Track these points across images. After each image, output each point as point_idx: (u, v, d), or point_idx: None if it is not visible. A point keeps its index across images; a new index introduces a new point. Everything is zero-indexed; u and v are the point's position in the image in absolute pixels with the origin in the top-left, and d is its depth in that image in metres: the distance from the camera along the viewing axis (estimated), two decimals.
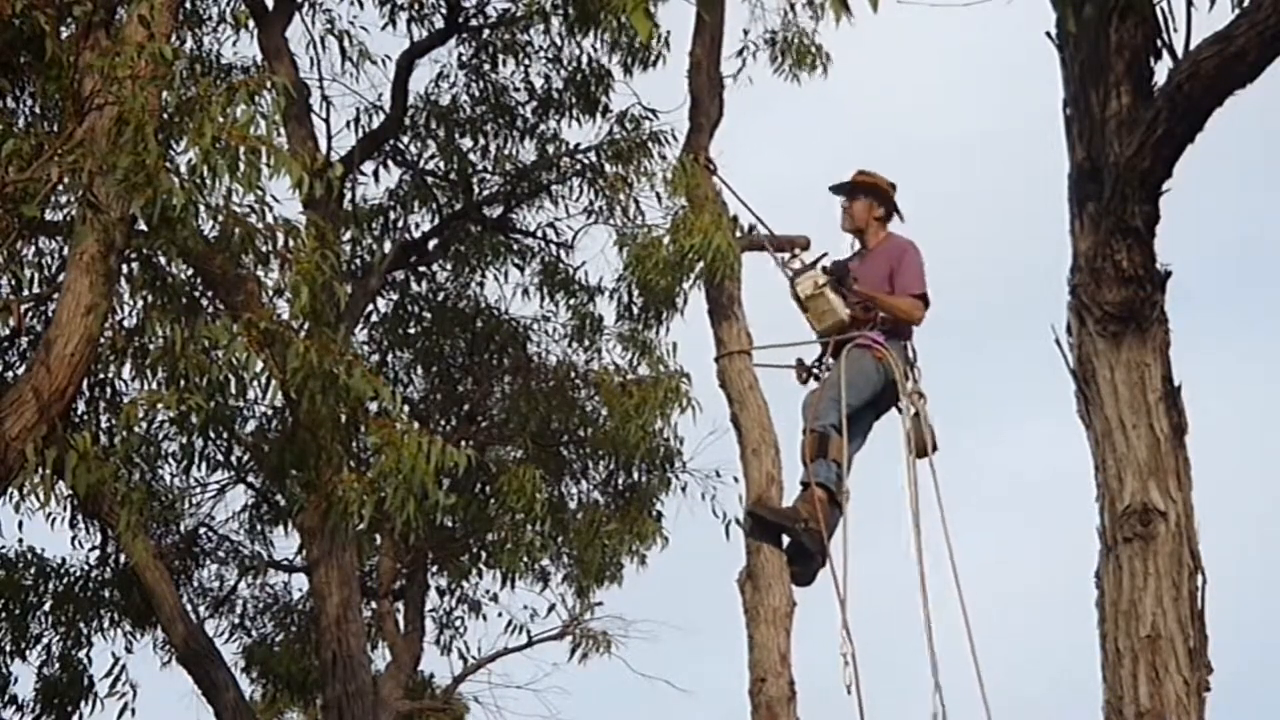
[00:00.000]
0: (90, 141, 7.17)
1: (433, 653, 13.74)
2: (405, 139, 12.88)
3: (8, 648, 11.65)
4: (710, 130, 8.43)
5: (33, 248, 9.23)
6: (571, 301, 12.98)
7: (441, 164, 12.95)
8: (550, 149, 12.79)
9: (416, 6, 12.38)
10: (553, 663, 14.00)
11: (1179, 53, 5.68)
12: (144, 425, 9.26)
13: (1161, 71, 5.75)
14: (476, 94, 12.76)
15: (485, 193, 13.02)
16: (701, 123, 8.42)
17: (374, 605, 13.11)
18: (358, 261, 12.69)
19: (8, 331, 10.10)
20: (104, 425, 9.74)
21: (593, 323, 12.87)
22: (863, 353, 7.73)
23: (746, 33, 12.08)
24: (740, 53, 12.03)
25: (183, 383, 7.57)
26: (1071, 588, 5.87)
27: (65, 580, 11.87)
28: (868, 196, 8.14)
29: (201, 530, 13.19)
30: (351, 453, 8.38)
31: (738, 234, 8.03)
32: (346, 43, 12.19)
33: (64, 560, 11.92)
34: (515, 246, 13.20)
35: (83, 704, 11.58)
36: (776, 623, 7.20)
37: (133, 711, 10.55)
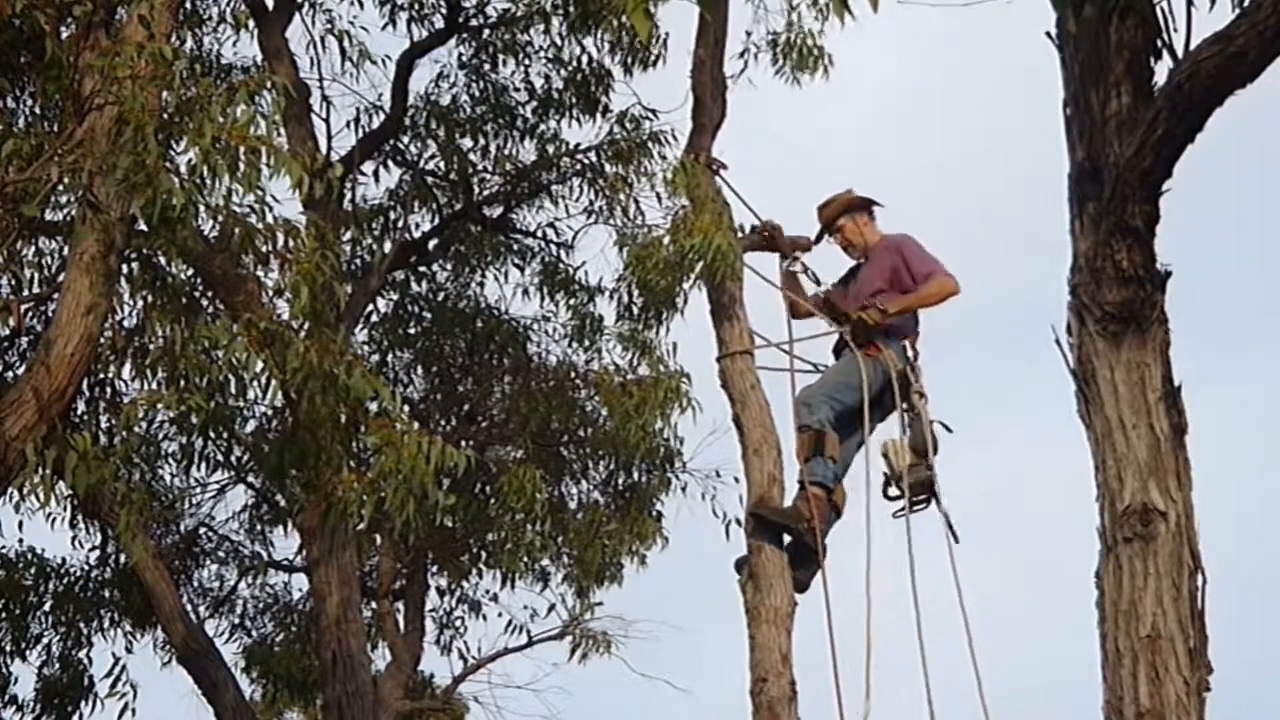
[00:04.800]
0: (90, 141, 7.18)
1: (433, 653, 13.76)
2: (405, 139, 12.89)
3: (8, 648, 11.66)
4: (713, 131, 8.41)
5: (33, 248, 9.23)
6: (571, 301, 12.99)
7: (441, 164, 12.96)
8: (550, 149, 12.80)
9: (416, 6, 12.39)
10: (553, 663, 14.01)
11: (1179, 53, 5.68)
12: (144, 425, 9.26)
13: (1161, 71, 5.76)
14: (476, 94, 12.77)
15: (485, 193, 13.02)
16: (704, 123, 8.41)
17: (374, 605, 13.11)
18: (358, 261, 12.69)
19: (8, 331, 10.10)
20: (104, 425, 9.74)
21: (593, 323, 12.88)
22: (859, 351, 7.71)
23: (749, 34, 12.12)
24: (743, 54, 12.05)
25: (183, 383, 7.57)
26: (1071, 587, 5.87)
27: (65, 580, 11.88)
28: (847, 215, 8.13)
29: (201, 530, 13.19)
30: (351, 453, 8.37)
31: (739, 234, 8.02)
32: (346, 43, 12.23)
33: (64, 560, 11.95)
34: (515, 246, 13.21)
35: (83, 704, 11.59)
36: (778, 623, 7.19)
37: (133, 711, 10.53)
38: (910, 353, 7.86)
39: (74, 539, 11.72)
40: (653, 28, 10.29)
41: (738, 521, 10.47)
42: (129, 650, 11.94)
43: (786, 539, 7.42)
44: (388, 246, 12.82)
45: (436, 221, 13.11)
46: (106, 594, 11.98)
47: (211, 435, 9.62)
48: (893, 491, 7.59)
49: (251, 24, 11.37)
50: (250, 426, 11.62)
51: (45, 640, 11.81)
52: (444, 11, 12.48)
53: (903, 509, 7.52)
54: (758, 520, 7.45)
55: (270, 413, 11.20)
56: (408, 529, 7.90)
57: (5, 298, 8.40)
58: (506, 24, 12.62)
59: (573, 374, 12.83)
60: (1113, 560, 5.45)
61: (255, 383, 7.68)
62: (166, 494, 12.59)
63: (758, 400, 7.70)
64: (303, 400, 7.65)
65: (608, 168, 12.58)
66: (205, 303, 10.28)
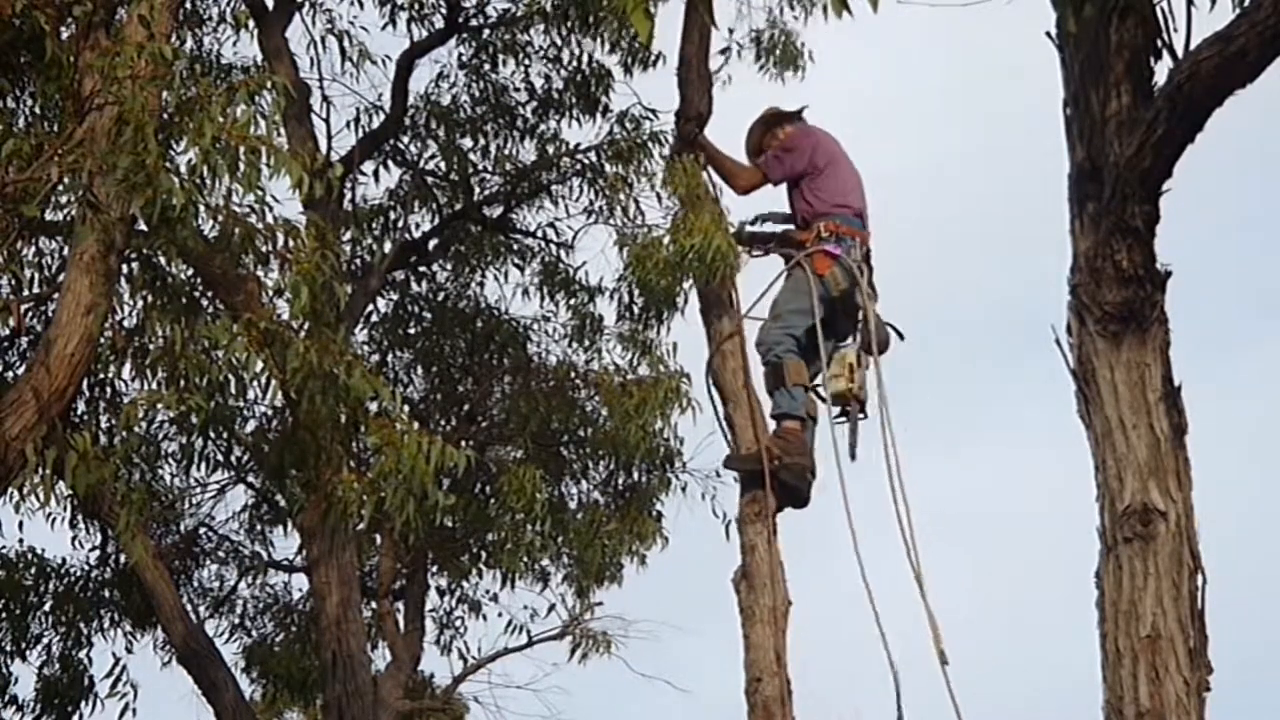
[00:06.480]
0: (90, 141, 7.17)
1: (433, 653, 13.76)
2: (405, 139, 12.88)
3: (8, 648, 11.65)
4: (700, 128, 8.42)
5: (33, 248, 9.22)
6: (571, 301, 12.98)
7: (441, 164, 12.95)
8: (550, 149, 12.78)
9: (416, 6, 12.38)
10: (553, 663, 14.02)
11: (1179, 53, 5.68)
12: (144, 425, 9.27)
13: (1161, 71, 5.76)
14: (476, 94, 12.76)
15: (485, 193, 13.01)
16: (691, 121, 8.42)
17: (374, 605, 13.11)
18: (358, 261, 12.69)
19: (8, 331, 10.10)
20: (104, 425, 9.74)
21: (593, 323, 12.87)
22: (803, 270, 7.71)
23: (732, 31, 12.14)
24: (724, 51, 12.07)
25: (183, 383, 7.57)
26: (1071, 587, 5.87)
27: (65, 580, 11.87)
28: (769, 135, 8.16)
29: (201, 530, 13.19)
30: (351, 453, 8.37)
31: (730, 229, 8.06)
32: (346, 43, 12.22)
33: (64, 560, 11.93)
34: (515, 246, 13.20)
35: (83, 704, 11.58)
36: (772, 623, 7.20)
37: (133, 711, 10.54)
38: (858, 252, 7.79)
39: (74, 539, 11.74)
40: (653, 28, 10.27)
41: (737, 521, 10.46)
42: (129, 650, 11.95)
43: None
44: (388, 246, 12.82)
45: (436, 221, 13.10)
46: (106, 594, 11.97)
47: (211, 435, 9.66)
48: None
49: (251, 24, 11.36)
50: (250, 426, 11.62)
51: (45, 640, 11.80)
52: (444, 11, 12.47)
53: (837, 416, 7.59)
54: (737, 472, 7.52)
55: (270, 413, 11.21)
56: (408, 529, 7.90)
57: (5, 298, 8.40)
58: (506, 24, 12.62)
59: (573, 374, 12.82)
60: (1113, 560, 5.45)
61: (255, 383, 7.69)
62: (166, 494, 12.57)
63: (749, 399, 7.72)
64: (303, 400, 7.65)
65: (608, 168, 12.56)
66: (205, 303, 10.26)
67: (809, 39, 12.15)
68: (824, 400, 7.65)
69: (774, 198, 8.29)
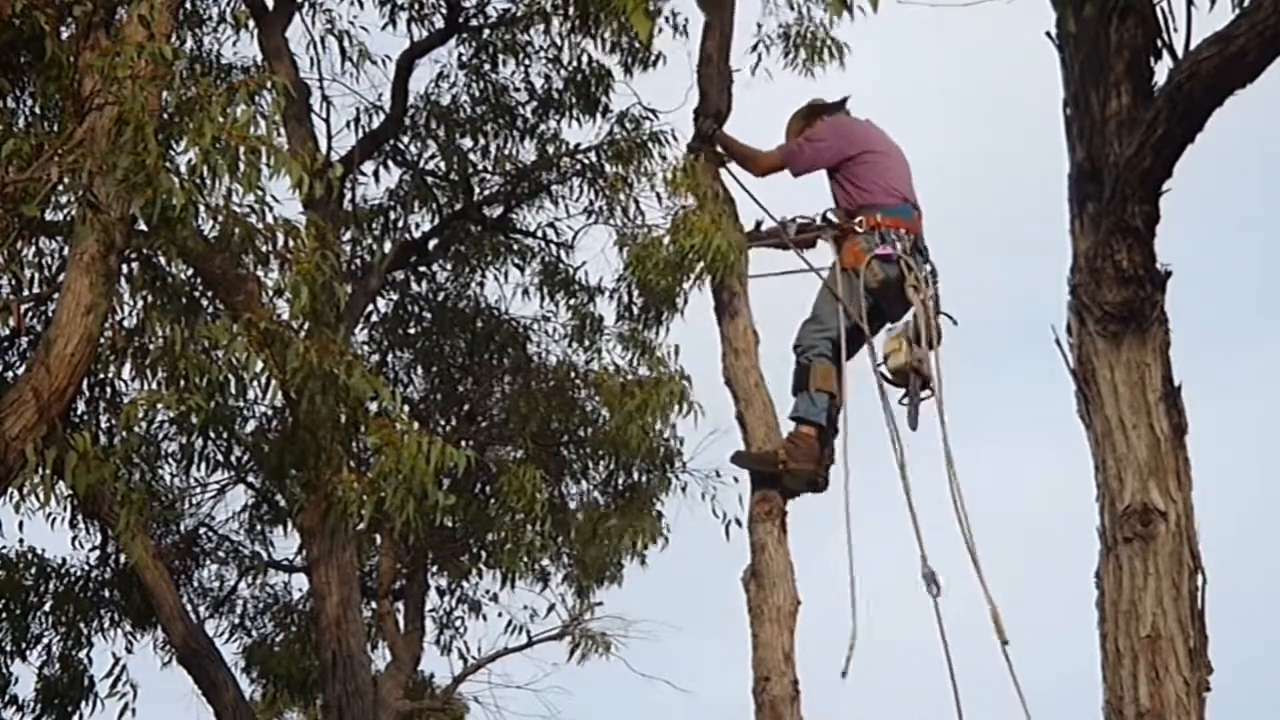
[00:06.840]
0: (90, 141, 7.16)
1: (433, 653, 13.77)
2: (405, 139, 12.89)
3: (8, 648, 11.66)
4: (718, 125, 8.40)
5: (33, 248, 9.22)
6: (571, 301, 12.99)
7: (441, 164, 12.95)
8: (550, 149, 12.79)
9: (416, 6, 12.39)
10: (553, 663, 14.04)
11: (1179, 53, 5.68)
12: (144, 425, 9.26)
13: (1161, 71, 5.76)
14: (476, 94, 12.76)
15: (485, 193, 13.02)
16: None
17: (374, 605, 13.11)
18: (358, 261, 12.70)
19: (8, 331, 10.10)
20: (104, 425, 9.74)
21: (593, 323, 12.88)
22: (840, 266, 7.65)
23: (760, 26, 12.11)
24: (754, 48, 12.04)
25: (183, 383, 7.57)
26: (1071, 587, 5.88)
27: (65, 580, 11.88)
28: (809, 129, 8.10)
29: (201, 530, 13.20)
30: (351, 453, 8.37)
31: (744, 230, 8.03)
32: (346, 43, 12.24)
33: (64, 560, 11.94)
34: (515, 246, 13.20)
35: (83, 704, 11.59)
36: (780, 622, 7.18)
37: (133, 711, 10.53)
38: (904, 243, 7.65)
39: (74, 539, 11.74)
40: (653, 28, 10.28)
41: (738, 522, 10.47)
42: (129, 650, 11.96)
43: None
44: (388, 246, 12.82)
45: (436, 221, 13.10)
46: (106, 594, 11.97)
47: (211, 435, 9.64)
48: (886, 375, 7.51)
49: (251, 24, 11.36)
50: (250, 426, 11.62)
51: (45, 640, 11.81)
52: (444, 11, 12.47)
53: (903, 398, 7.41)
54: (745, 469, 7.50)
55: (270, 413, 11.21)
56: (408, 529, 7.89)
57: (5, 298, 8.40)
58: (506, 24, 12.62)
59: (573, 374, 12.82)
60: (1113, 560, 5.45)
61: (255, 383, 7.68)
62: (166, 494, 12.58)
63: (762, 398, 7.71)
64: (303, 400, 7.65)
65: (608, 168, 12.56)
66: (205, 303, 10.27)
67: (840, 34, 12.15)
68: (888, 380, 7.44)
69: (796, 190, 8.26)
